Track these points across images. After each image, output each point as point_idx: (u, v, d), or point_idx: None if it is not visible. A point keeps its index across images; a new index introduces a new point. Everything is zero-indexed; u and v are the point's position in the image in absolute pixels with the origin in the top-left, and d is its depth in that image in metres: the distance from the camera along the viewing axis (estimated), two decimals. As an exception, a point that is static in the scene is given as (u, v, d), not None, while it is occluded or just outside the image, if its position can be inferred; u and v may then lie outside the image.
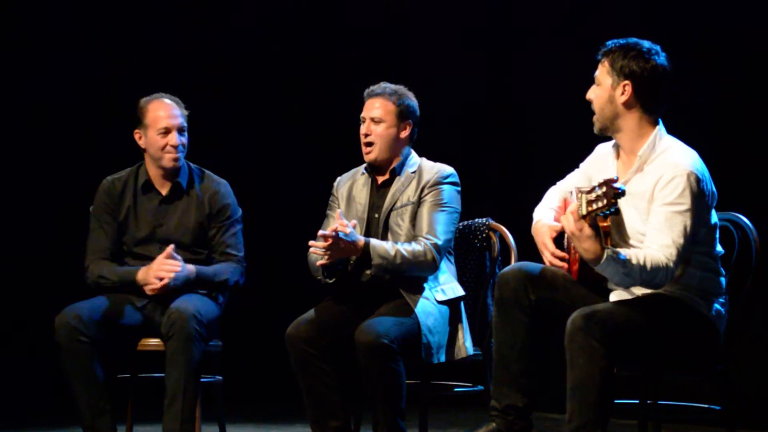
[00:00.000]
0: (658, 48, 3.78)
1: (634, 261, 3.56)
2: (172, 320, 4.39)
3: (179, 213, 4.71)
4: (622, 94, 3.75)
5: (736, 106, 5.80)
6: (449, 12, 6.98)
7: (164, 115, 4.68)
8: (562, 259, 3.84)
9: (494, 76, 6.89)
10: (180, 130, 4.68)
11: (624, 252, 3.58)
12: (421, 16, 7.06)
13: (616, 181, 3.46)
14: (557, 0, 6.61)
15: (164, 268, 4.51)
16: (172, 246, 4.55)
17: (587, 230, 3.53)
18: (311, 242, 4.24)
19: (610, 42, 3.81)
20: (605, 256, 3.53)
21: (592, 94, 3.82)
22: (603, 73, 3.79)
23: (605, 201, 3.45)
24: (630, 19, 6.08)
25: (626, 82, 3.74)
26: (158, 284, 4.49)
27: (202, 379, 4.49)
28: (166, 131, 4.67)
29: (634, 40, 3.79)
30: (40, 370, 6.50)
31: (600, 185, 3.49)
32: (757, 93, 5.72)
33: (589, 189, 3.56)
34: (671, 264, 3.58)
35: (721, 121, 5.83)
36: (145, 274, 4.54)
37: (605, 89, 3.78)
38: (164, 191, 4.73)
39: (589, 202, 3.52)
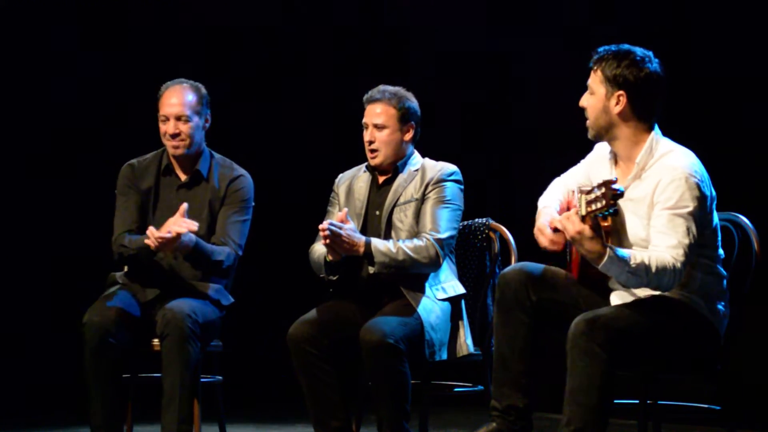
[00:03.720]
0: (650, 54, 3.73)
1: (638, 259, 3.54)
2: (166, 320, 4.36)
3: (197, 201, 4.62)
4: (617, 104, 3.71)
5: (734, 105, 5.80)
6: (449, 11, 6.98)
7: (165, 102, 4.58)
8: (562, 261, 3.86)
9: (495, 75, 6.89)
10: (180, 118, 4.56)
11: (627, 251, 3.58)
12: (421, 14, 7.06)
13: (615, 182, 3.45)
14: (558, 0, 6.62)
15: (180, 223, 4.35)
16: (185, 204, 4.42)
17: (588, 232, 3.51)
18: (321, 226, 4.19)
19: (601, 49, 3.76)
20: (607, 254, 3.53)
21: (586, 102, 3.78)
22: (596, 81, 3.74)
23: (604, 202, 3.45)
24: (631, 17, 6.08)
25: (620, 92, 3.69)
26: (168, 236, 4.31)
27: (202, 379, 4.48)
28: (165, 118, 4.58)
29: (626, 46, 3.73)
30: (39, 370, 6.51)
31: (599, 186, 3.49)
32: (756, 91, 5.73)
33: (588, 189, 3.56)
34: (678, 264, 3.56)
35: (721, 120, 5.83)
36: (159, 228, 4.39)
37: (599, 99, 3.73)
38: (184, 177, 4.67)
39: (589, 203, 3.52)
